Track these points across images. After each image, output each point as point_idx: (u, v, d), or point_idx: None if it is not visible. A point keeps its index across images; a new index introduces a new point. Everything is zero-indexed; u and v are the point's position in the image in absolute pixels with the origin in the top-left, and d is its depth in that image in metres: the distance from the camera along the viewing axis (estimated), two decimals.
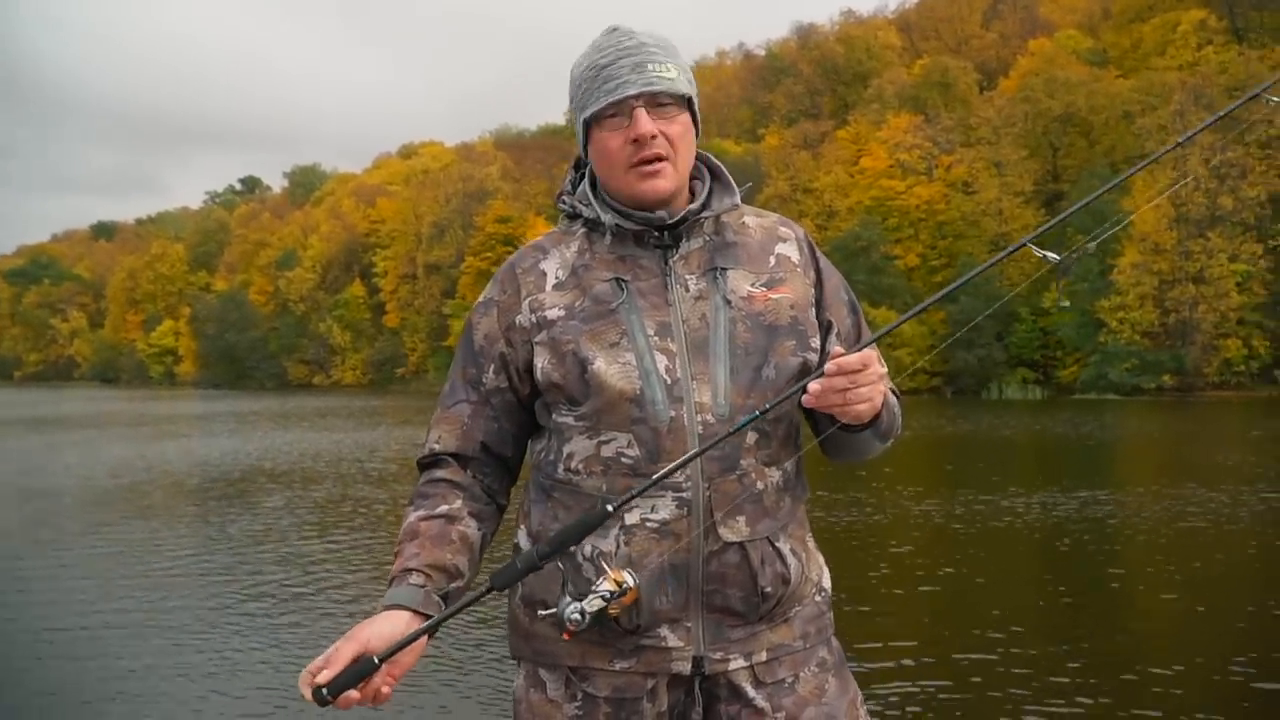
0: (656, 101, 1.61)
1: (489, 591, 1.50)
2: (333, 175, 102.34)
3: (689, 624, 1.60)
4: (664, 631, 1.60)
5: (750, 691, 1.63)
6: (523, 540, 1.72)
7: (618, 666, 1.62)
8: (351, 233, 78.00)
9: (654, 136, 1.60)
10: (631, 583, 1.49)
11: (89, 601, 7.37)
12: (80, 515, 11.72)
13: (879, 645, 5.84)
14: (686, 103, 1.66)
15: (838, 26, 65.58)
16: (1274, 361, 38.84)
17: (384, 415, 33.75)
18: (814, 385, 1.50)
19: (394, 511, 11.57)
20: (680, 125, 1.64)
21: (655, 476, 1.51)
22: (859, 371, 1.48)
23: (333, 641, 1.51)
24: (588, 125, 1.66)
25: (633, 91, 1.59)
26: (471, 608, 1.63)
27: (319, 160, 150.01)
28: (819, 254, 1.78)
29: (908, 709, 4.80)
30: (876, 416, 1.58)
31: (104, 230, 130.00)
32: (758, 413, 1.53)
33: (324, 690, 1.42)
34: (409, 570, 1.58)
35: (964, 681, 5.20)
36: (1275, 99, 1.86)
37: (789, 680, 1.66)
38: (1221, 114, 1.91)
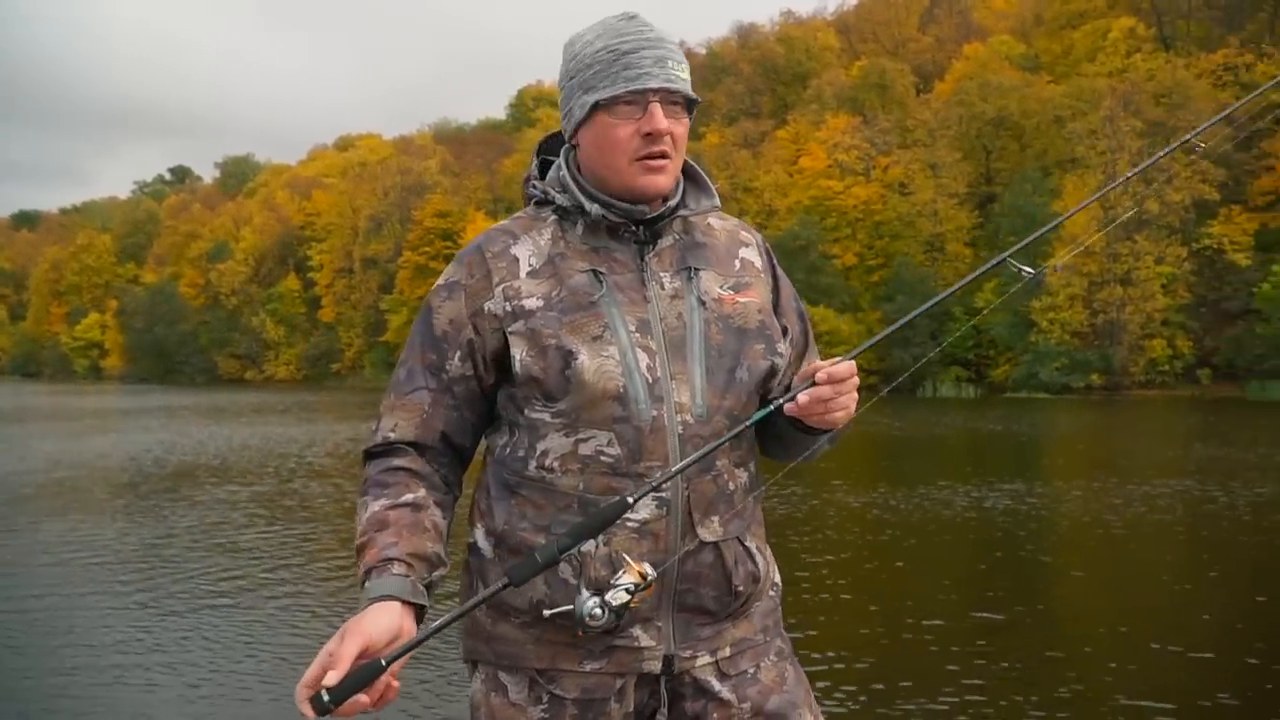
0: (671, 99, 1.60)
1: (506, 587, 1.45)
2: (266, 166, 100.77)
3: (660, 623, 1.60)
4: (637, 631, 1.59)
5: (716, 685, 1.64)
6: (481, 540, 1.66)
7: (588, 668, 1.59)
8: (286, 225, 76.83)
9: (667, 133, 1.59)
10: (653, 574, 1.46)
11: (27, 596, 7.18)
12: (13, 511, 11.40)
13: (814, 633, 5.90)
14: (691, 107, 1.65)
15: (777, 27, 66.08)
16: (1197, 361, 39.98)
17: (321, 411, 33.31)
18: (802, 397, 1.51)
19: (338, 504, 11.44)
20: (683, 128, 1.63)
21: (674, 470, 1.50)
22: (844, 381, 1.52)
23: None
24: (593, 108, 1.62)
25: (654, 84, 1.57)
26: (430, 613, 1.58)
27: (251, 151, 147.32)
28: (775, 260, 1.80)
29: (842, 688, 4.87)
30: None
31: (26, 219, 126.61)
32: (763, 413, 1.56)
33: (325, 698, 1.29)
34: (390, 560, 1.50)
35: (896, 666, 5.28)
36: (1202, 145, 1.95)
37: (751, 671, 1.67)
38: (1163, 154, 1.98)
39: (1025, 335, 41.49)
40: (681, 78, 1.60)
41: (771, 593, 1.76)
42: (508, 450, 1.65)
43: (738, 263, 1.72)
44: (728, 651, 1.66)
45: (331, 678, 1.32)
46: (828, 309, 44.08)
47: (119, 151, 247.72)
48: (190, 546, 9.11)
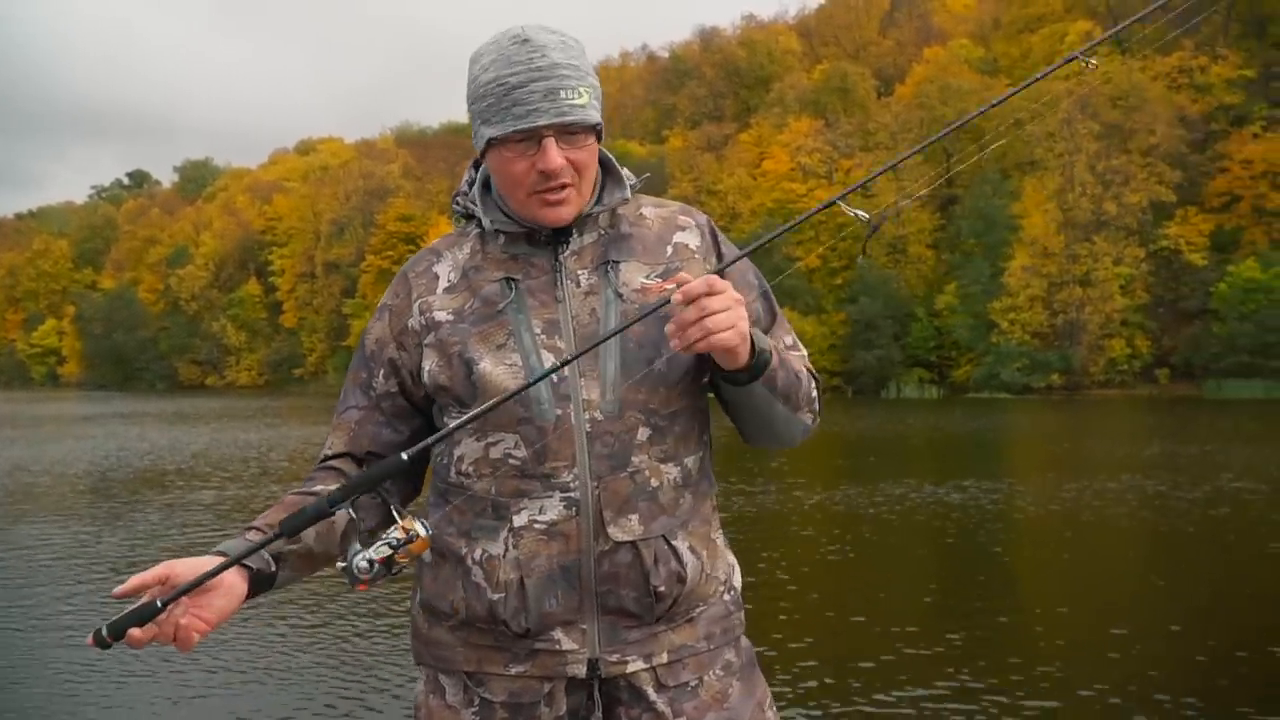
0: (567, 130, 1.55)
1: (277, 538, 1.47)
2: (226, 170, 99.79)
3: (584, 626, 1.57)
4: (558, 634, 1.57)
5: (652, 695, 1.60)
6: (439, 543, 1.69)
7: (513, 671, 1.59)
8: (246, 230, 76.17)
9: (561, 169, 1.55)
10: (422, 532, 1.43)
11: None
12: None
13: (776, 635, 5.93)
14: (595, 127, 1.60)
15: (739, 30, 66.38)
16: (1155, 361, 40.58)
17: (285, 415, 33.04)
18: (669, 326, 1.45)
19: None
20: (586, 152, 1.59)
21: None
22: (708, 295, 1.42)
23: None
24: (488, 142, 1.59)
25: (544, 122, 1.52)
26: (384, 616, 1.59)
27: (210, 155, 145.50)
28: (721, 239, 1.74)
29: (794, 668, 4.89)
30: (766, 366, 1.54)
31: None
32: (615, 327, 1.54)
33: (104, 632, 1.37)
34: (250, 528, 1.55)
35: (860, 655, 5.31)
36: (1093, 62, 1.81)
37: (692, 683, 1.63)
38: (1038, 78, 1.93)
39: (986, 336, 41.93)
40: (576, 105, 1.54)
41: (726, 598, 1.70)
42: (439, 458, 1.68)
43: (670, 249, 1.68)
44: (665, 658, 1.61)
45: (130, 604, 1.38)
46: (791, 310, 44.29)
47: (74, 156, 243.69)
48: (165, 548, 9.03)
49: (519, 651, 1.58)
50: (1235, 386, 36.00)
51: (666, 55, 69.59)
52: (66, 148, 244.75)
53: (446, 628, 1.63)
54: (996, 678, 5.16)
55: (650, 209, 1.73)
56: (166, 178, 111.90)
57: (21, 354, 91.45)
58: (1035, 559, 8.54)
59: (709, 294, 1.43)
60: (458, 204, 1.72)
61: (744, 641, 1.73)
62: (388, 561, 1.43)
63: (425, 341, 1.63)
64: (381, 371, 1.68)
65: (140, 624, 1.37)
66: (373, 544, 1.43)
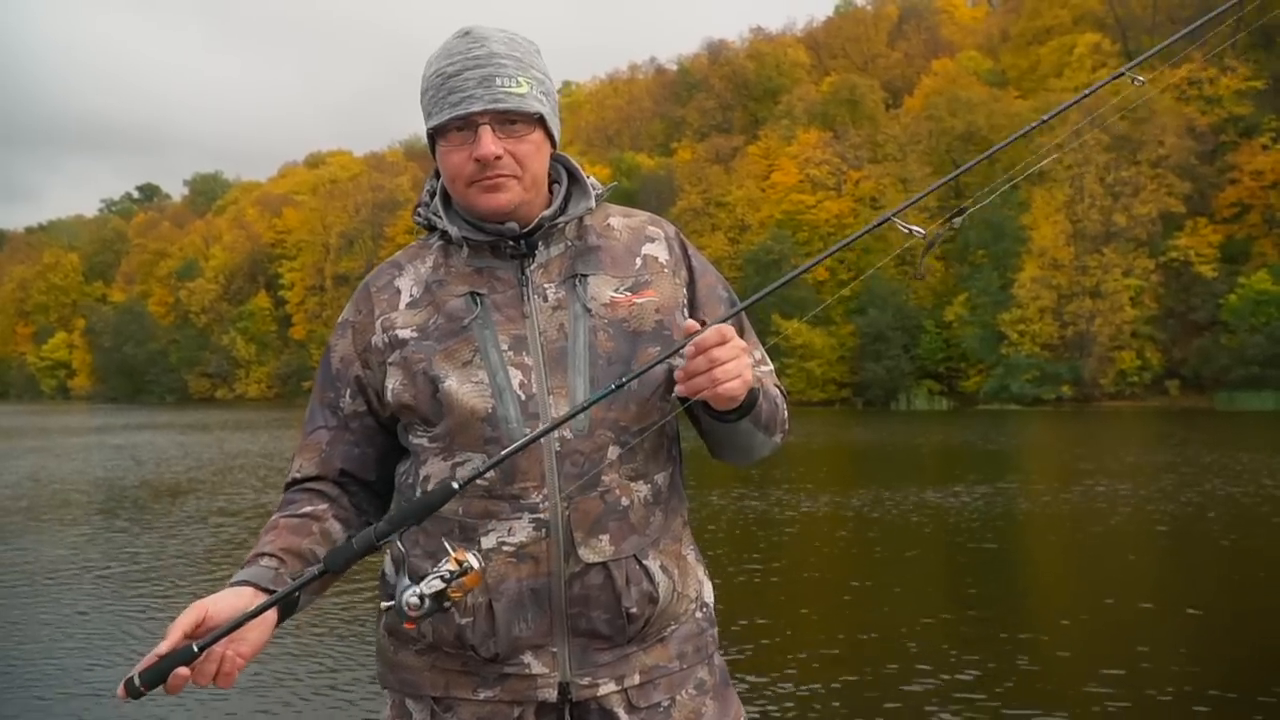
0: (505, 119, 1.53)
1: (323, 574, 1.41)
2: (236, 184, 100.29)
3: (554, 649, 1.55)
4: (527, 658, 1.54)
5: (623, 717, 1.57)
6: (387, 566, 1.64)
7: (481, 696, 1.56)
8: (256, 243, 76.50)
9: (498, 158, 1.53)
10: (475, 564, 1.37)
11: (16, 608, 7.10)
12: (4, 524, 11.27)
13: (780, 647, 5.92)
14: (538, 119, 1.57)
15: (747, 43, 66.55)
16: (1165, 372, 40.44)
17: (296, 427, 33.10)
18: (679, 373, 1.44)
19: None
20: (530, 144, 1.56)
21: (508, 450, 1.42)
22: (719, 345, 1.41)
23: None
24: (431, 136, 1.59)
25: (478, 108, 1.51)
26: (348, 639, 1.58)
27: (208, 167, 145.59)
28: (691, 251, 1.70)
29: (810, 702, 4.87)
30: (755, 404, 1.53)
31: None
32: (601, 394, 1.45)
33: (136, 681, 1.30)
34: (261, 555, 1.50)
35: (871, 658, 5.29)
36: (1140, 79, 1.85)
37: (664, 704, 1.60)
38: (1085, 94, 1.94)
39: (996, 347, 41.85)
40: (513, 93, 1.53)
41: (698, 615, 1.67)
42: (403, 478, 1.65)
43: (639, 261, 1.64)
44: (637, 679, 1.58)
45: (145, 662, 1.32)
46: (802, 323, 44.30)
47: (70, 170, 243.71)
48: (188, 550, 9.06)
49: (488, 676, 1.55)
50: (1246, 398, 35.85)
51: (675, 68, 69.76)
52: (62, 162, 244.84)
53: (413, 652, 1.60)
54: (1006, 687, 5.13)
55: (618, 219, 1.69)
56: (175, 191, 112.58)
57: (32, 367, 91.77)
58: (1047, 567, 8.50)
59: (720, 344, 1.42)
60: (419, 215, 1.68)
61: (717, 659, 1.70)
62: (439, 596, 1.37)
63: (389, 360, 1.59)
64: (348, 391, 1.66)
65: (176, 667, 1.32)
66: (423, 578, 1.37)
